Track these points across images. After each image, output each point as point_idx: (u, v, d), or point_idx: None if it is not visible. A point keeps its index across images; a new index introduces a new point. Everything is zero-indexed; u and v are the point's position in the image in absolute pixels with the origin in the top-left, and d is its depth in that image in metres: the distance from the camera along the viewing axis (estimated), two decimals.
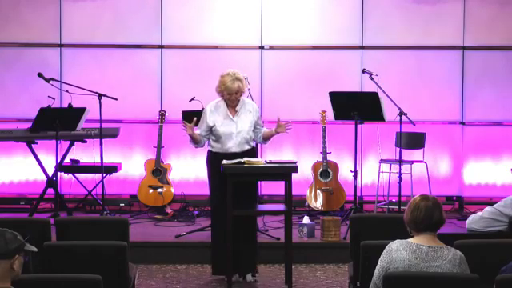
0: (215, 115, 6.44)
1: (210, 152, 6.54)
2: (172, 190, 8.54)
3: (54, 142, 7.76)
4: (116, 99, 8.07)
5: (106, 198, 8.18)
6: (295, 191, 6.83)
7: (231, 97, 6.39)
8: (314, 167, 8.50)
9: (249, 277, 6.47)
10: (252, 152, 6.56)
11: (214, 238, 6.52)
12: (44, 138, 8.11)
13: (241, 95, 6.45)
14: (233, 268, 6.29)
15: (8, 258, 3.24)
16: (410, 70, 9.01)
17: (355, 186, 7.73)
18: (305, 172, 8.48)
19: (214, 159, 6.45)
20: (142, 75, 8.99)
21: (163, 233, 7.68)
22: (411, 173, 8.29)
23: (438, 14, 8.97)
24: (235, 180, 6.22)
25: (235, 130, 6.42)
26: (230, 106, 6.46)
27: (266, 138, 6.63)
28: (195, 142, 6.48)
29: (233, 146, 6.42)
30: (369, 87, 8.29)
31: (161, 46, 9.00)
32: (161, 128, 8.51)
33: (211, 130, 6.45)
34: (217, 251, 6.44)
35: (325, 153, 8.43)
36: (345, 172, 8.62)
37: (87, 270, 3.92)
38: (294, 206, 7.46)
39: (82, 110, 7.81)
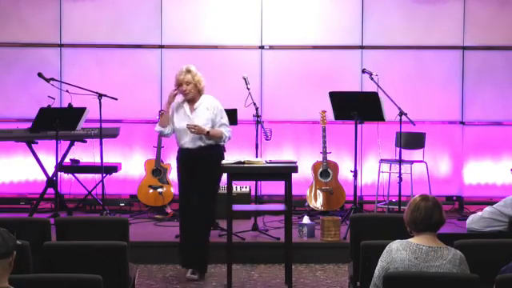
0: (177, 111, 6.55)
1: (177, 150, 6.66)
2: (172, 189, 8.54)
3: (54, 141, 7.76)
4: (116, 99, 8.07)
5: (106, 198, 8.18)
6: (295, 191, 6.83)
7: (182, 88, 6.46)
8: (314, 167, 8.50)
9: (188, 274, 6.52)
10: (209, 149, 6.47)
11: (179, 234, 6.63)
12: (44, 138, 8.11)
13: (194, 87, 6.49)
14: (186, 263, 6.53)
15: (7, 257, 3.25)
16: (410, 70, 9.01)
17: (355, 186, 7.73)
18: (305, 172, 8.48)
19: (178, 156, 6.60)
20: (142, 75, 9.00)
21: (163, 233, 7.68)
22: (411, 173, 8.29)
23: (437, 14, 8.98)
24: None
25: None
26: (190, 102, 6.54)
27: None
28: (162, 123, 6.56)
29: (186, 141, 6.48)
30: (369, 87, 8.29)
31: (161, 46, 9.00)
32: None
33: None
34: (179, 246, 6.59)
35: (325, 153, 8.43)
36: (345, 172, 8.63)
37: (87, 270, 3.91)
38: (293, 206, 7.46)
39: (81, 110, 7.81)
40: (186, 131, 6.42)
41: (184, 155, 6.51)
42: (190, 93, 6.49)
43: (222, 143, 6.56)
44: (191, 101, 6.54)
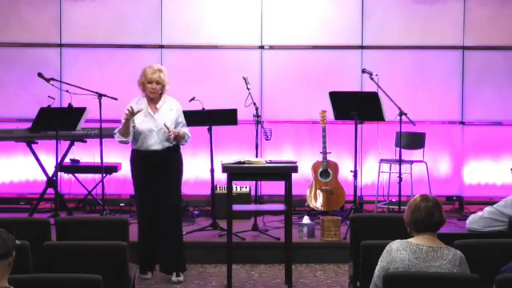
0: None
1: (132, 151, 6.51)
2: None
3: (54, 141, 7.76)
4: (116, 99, 8.06)
5: (106, 198, 8.18)
6: (295, 191, 6.83)
7: (151, 86, 6.35)
8: (314, 167, 8.50)
9: (173, 277, 6.47)
10: (174, 149, 6.45)
11: (140, 236, 6.53)
12: (44, 138, 8.11)
13: (162, 88, 6.42)
14: (149, 265, 6.49)
15: (6, 257, 3.25)
16: (410, 70, 9.01)
17: (355, 186, 7.73)
18: (305, 172, 8.48)
19: (136, 157, 6.45)
20: None
21: None
22: (411, 173, 8.29)
23: (437, 14, 8.97)
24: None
25: (155, 127, 6.38)
26: (151, 102, 6.43)
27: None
28: (124, 133, 6.37)
29: (154, 143, 6.38)
30: (369, 87, 8.29)
31: (161, 46, 9.00)
32: None
33: (133, 128, 6.40)
34: (142, 249, 6.48)
35: (325, 153, 8.43)
36: (345, 172, 8.63)
37: (87, 270, 3.91)
38: (293, 206, 7.46)
39: (81, 110, 7.81)
40: (152, 132, 6.35)
41: (148, 156, 6.35)
42: (157, 93, 6.42)
43: (183, 143, 6.53)
44: (152, 101, 6.45)
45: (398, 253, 3.87)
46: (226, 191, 6.47)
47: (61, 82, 8.28)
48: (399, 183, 7.72)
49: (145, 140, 6.38)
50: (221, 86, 8.77)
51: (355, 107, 7.62)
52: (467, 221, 5.88)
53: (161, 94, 6.46)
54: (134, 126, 6.39)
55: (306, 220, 7.49)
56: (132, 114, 6.27)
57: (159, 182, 6.38)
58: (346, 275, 6.15)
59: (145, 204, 6.45)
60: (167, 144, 6.40)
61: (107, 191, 8.19)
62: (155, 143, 6.38)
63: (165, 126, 6.31)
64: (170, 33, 9.00)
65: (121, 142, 6.49)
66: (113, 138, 8.35)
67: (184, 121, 6.51)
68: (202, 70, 8.90)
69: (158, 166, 6.36)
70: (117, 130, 6.46)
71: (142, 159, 6.41)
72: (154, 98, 6.43)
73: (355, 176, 7.72)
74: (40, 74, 8.00)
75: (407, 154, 8.39)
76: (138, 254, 6.45)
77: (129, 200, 8.87)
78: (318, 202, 8.43)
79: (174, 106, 6.49)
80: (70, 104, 8.05)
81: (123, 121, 6.35)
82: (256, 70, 8.94)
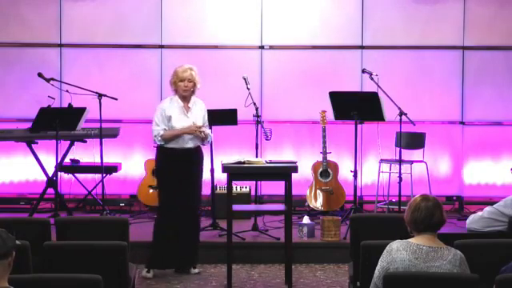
0: (171, 110, 6.52)
1: (164, 149, 6.52)
2: None
3: (54, 141, 7.76)
4: (116, 99, 8.07)
5: (106, 198, 8.18)
6: (295, 191, 6.83)
7: (183, 84, 6.48)
8: (314, 167, 8.50)
9: (192, 270, 6.62)
10: (200, 149, 6.63)
11: (159, 234, 6.55)
12: (44, 138, 8.11)
13: (194, 86, 6.54)
14: (161, 264, 6.57)
15: (6, 257, 3.25)
16: (410, 69, 9.01)
17: (355, 186, 7.73)
18: (305, 172, 8.48)
19: (169, 156, 6.50)
20: (142, 75, 8.99)
21: None
22: (411, 173, 8.29)
23: (437, 14, 8.97)
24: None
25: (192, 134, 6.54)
26: (183, 101, 6.55)
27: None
28: (172, 140, 6.48)
29: (188, 141, 6.51)
30: (369, 87, 8.29)
31: (161, 46, 9.00)
32: None
33: (167, 126, 6.51)
34: (158, 246, 6.52)
35: (325, 153, 8.43)
36: (345, 172, 8.63)
37: (87, 269, 3.91)
38: (294, 206, 7.46)
39: (81, 110, 7.81)
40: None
41: (182, 154, 6.48)
42: (189, 90, 6.53)
43: (205, 144, 6.69)
44: (185, 100, 6.55)
45: (398, 253, 3.87)
46: (226, 191, 6.47)
47: (61, 82, 8.28)
48: (399, 183, 7.72)
49: (180, 138, 6.49)
50: (221, 86, 8.76)
51: (355, 107, 7.61)
52: (467, 221, 5.88)
53: (192, 93, 6.57)
54: (168, 124, 6.50)
55: (305, 220, 7.49)
56: (195, 131, 6.46)
57: (187, 180, 6.48)
58: (346, 275, 6.15)
59: (173, 202, 6.49)
60: (198, 143, 6.56)
61: (107, 191, 8.19)
62: (189, 141, 6.52)
63: (196, 125, 6.48)
64: (170, 33, 9.00)
65: (160, 143, 6.55)
66: (113, 138, 8.43)
67: (207, 122, 6.67)
68: (202, 70, 8.80)
69: (189, 164, 6.49)
70: (162, 135, 6.47)
71: (176, 157, 6.47)
72: (186, 97, 6.55)
73: (355, 176, 7.72)
74: (40, 74, 8.01)
75: (407, 154, 8.39)
76: (153, 252, 6.52)
77: (129, 200, 8.88)
78: (317, 202, 8.43)
79: (202, 106, 6.67)
80: (69, 104, 8.05)
81: (179, 132, 6.45)
82: (256, 70, 8.94)
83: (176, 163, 6.50)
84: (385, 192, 8.49)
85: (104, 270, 4.14)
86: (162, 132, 6.48)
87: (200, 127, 6.49)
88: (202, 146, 6.64)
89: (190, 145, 6.51)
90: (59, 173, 8.40)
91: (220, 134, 8.24)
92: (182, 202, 6.48)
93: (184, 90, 6.52)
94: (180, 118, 6.51)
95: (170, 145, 6.51)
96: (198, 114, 6.57)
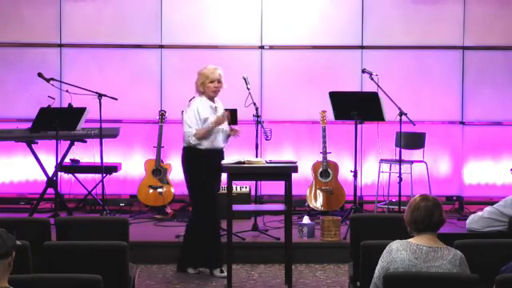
0: (204, 111, 6.54)
1: (197, 150, 6.51)
2: (172, 190, 8.54)
3: (54, 141, 7.76)
4: (116, 99, 8.07)
5: (106, 198, 8.18)
6: (295, 191, 6.83)
7: (213, 84, 6.54)
8: (314, 167, 8.50)
9: (217, 272, 6.58)
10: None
11: (196, 235, 6.55)
12: (44, 138, 8.11)
13: (221, 87, 6.61)
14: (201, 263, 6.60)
15: (6, 257, 3.25)
16: (410, 70, 9.01)
17: (355, 186, 7.73)
18: (305, 172, 8.48)
19: (204, 156, 6.49)
20: (142, 75, 8.99)
21: (163, 233, 7.68)
22: (411, 173, 8.29)
23: (437, 14, 8.97)
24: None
25: (223, 126, 6.58)
26: (211, 101, 6.60)
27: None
28: (207, 136, 6.52)
29: (221, 141, 6.58)
30: (369, 87, 8.29)
31: (161, 46, 9.00)
32: (161, 128, 8.51)
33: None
34: (194, 247, 6.55)
35: (325, 153, 8.43)
36: (345, 172, 8.63)
37: (87, 269, 3.91)
38: (294, 206, 7.46)
39: (81, 110, 7.81)
40: (219, 131, 6.54)
41: (215, 154, 6.48)
42: (219, 91, 6.63)
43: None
44: (211, 100, 6.61)
45: (398, 253, 3.87)
46: (226, 191, 6.46)
47: (61, 82, 8.28)
48: (399, 183, 7.72)
49: (215, 138, 6.54)
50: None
51: (355, 107, 7.62)
52: (467, 221, 5.88)
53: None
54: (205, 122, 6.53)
55: (305, 220, 7.49)
56: (223, 120, 6.53)
57: (216, 181, 6.57)
58: (346, 275, 6.14)
59: (212, 203, 6.50)
60: (227, 142, 6.66)
61: (107, 191, 8.19)
62: (222, 141, 6.59)
63: (235, 134, 6.64)
64: (170, 33, 9.00)
65: (195, 143, 6.55)
66: (113, 138, 8.43)
67: None
68: None
69: (218, 164, 6.48)
70: (196, 133, 6.47)
71: (210, 157, 6.47)
72: (213, 97, 6.60)
73: (355, 176, 7.72)
74: (40, 74, 8.01)
75: (407, 154, 8.39)
76: (188, 252, 6.56)
77: (129, 200, 8.88)
78: (318, 202, 8.43)
79: (222, 105, 6.73)
80: (69, 104, 8.05)
81: (211, 126, 6.47)
82: (256, 70, 8.94)
83: (209, 163, 6.47)
84: (385, 192, 8.49)
85: (104, 270, 4.14)
86: (194, 131, 6.49)
87: (223, 115, 6.54)
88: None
89: (223, 145, 6.59)
90: (59, 173, 8.40)
91: None
92: (215, 202, 6.51)
93: (214, 90, 6.57)
94: (213, 118, 6.54)
95: (205, 145, 6.49)
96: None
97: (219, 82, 6.58)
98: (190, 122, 6.51)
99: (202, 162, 6.50)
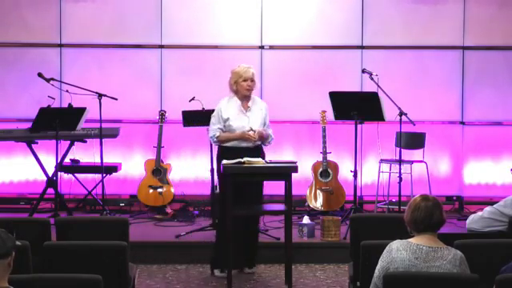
0: (229, 110, 6.55)
1: (223, 148, 6.57)
2: (172, 189, 8.54)
3: (54, 141, 7.76)
4: (116, 99, 8.07)
5: (106, 198, 8.18)
6: (295, 191, 6.82)
7: (246, 83, 6.52)
8: (314, 167, 8.50)
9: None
10: (260, 148, 6.64)
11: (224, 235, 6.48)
12: (44, 138, 8.11)
13: (254, 86, 6.58)
14: (235, 264, 6.47)
15: (6, 257, 3.25)
16: (410, 69, 9.01)
17: (355, 186, 7.73)
18: (305, 172, 8.48)
19: (227, 154, 6.46)
20: (142, 75, 8.99)
21: (163, 233, 7.68)
22: (411, 173, 8.29)
23: (437, 14, 8.97)
24: (238, 180, 6.28)
25: (247, 125, 6.51)
26: (243, 101, 6.57)
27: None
28: (228, 141, 6.54)
29: (242, 142, 6.51)
30: (369, 87, 8.29)
31: (161, 46, 9.00)
32: (161, 128, 8.51)
33: (224, 125, 6.53)
34: (223, 247, 6.46)
35: (325, 153, 8.43)
36: (345, 172, 8.62)
37: (87, 269, 3.91)
38: (294, 206, 7.46)
39: (81, 110, 7.81)
40: (243, 129, 6.50)
41: (238, 153, 6.38)
42: (252, 90, 6.59)
43: (266, 144, 6.70)
44: (244, 99, 6.58)
45: (398, 253, 3.87)
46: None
47: (61, 82, 8.28)
48: (399, 183, 7.72)
49: (236, 140, 6.52)
50: (221, 86, 8.73)
51: (355, 107, 7.62)
52: (467, 221, 5.88)
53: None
54: (225, 122, 6.51)
55: (305, 220, 7.49)
56: (247, 138, 6.49)
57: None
58: (346, 275, 6.14)
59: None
60: (258, 142, 6.56)
61: (107, 191, 8.19)
62: (243, 142, 6.51)
63: (251, 129, 6.48)
64: (170, 33, 9.00)
65: (215, 144, 6.62)
66: (113, 138, 8.43)
67: (268, 122, 6.68)
68: (202, 70, 8.90)
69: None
70: (218, 136, 6.50)
71: (234, 156, 6.41)
72: (246, 96, 6.57)
73: (355, 176, 7.72)
74: (40, 74, 8.01)
75: (407, 154, 8.39)
76: (219, 252, 6.53)
77: (129, 200, 8.88)
78: (317, 202, 8.43)
79: (263, 106, 6.70)
80: (69, 104, 8.05)
81: (232, 136, 6.50)
82: (256, 70, 8.90)
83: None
84: (385, 192, 8.49)
85: (104, 270, 4.14)
86: (217, 133, 6.51)
87: (255, 132, 6.46)
88: (262, 147, 6.65)
89: (248, 144, 6.51)
90: (59, 173, 8.40)
91: None
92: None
93: (247, 89, 6.55)
94: (238, 118, 6.52)
95: (228, 144, 6.53)
96: (257, 114, 6.58)
97: (252, 80, 6.55)
98: (213, 119, 6.58)
99: (225, 159, 6.48)
